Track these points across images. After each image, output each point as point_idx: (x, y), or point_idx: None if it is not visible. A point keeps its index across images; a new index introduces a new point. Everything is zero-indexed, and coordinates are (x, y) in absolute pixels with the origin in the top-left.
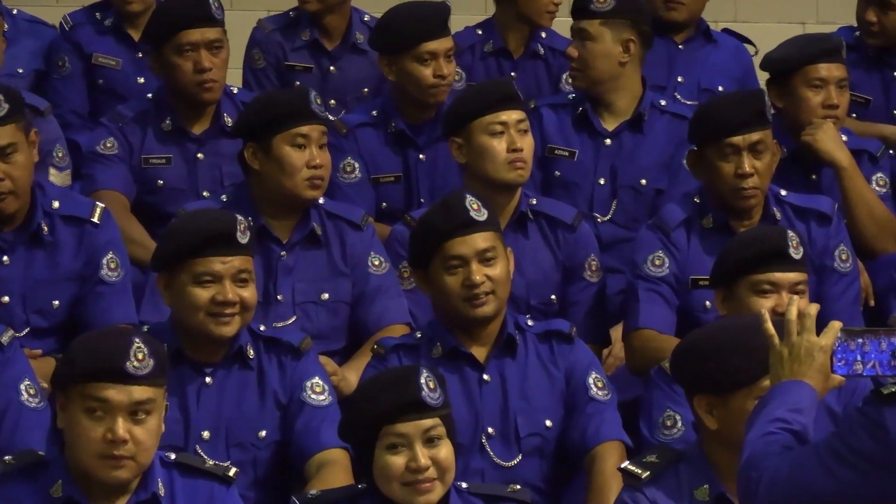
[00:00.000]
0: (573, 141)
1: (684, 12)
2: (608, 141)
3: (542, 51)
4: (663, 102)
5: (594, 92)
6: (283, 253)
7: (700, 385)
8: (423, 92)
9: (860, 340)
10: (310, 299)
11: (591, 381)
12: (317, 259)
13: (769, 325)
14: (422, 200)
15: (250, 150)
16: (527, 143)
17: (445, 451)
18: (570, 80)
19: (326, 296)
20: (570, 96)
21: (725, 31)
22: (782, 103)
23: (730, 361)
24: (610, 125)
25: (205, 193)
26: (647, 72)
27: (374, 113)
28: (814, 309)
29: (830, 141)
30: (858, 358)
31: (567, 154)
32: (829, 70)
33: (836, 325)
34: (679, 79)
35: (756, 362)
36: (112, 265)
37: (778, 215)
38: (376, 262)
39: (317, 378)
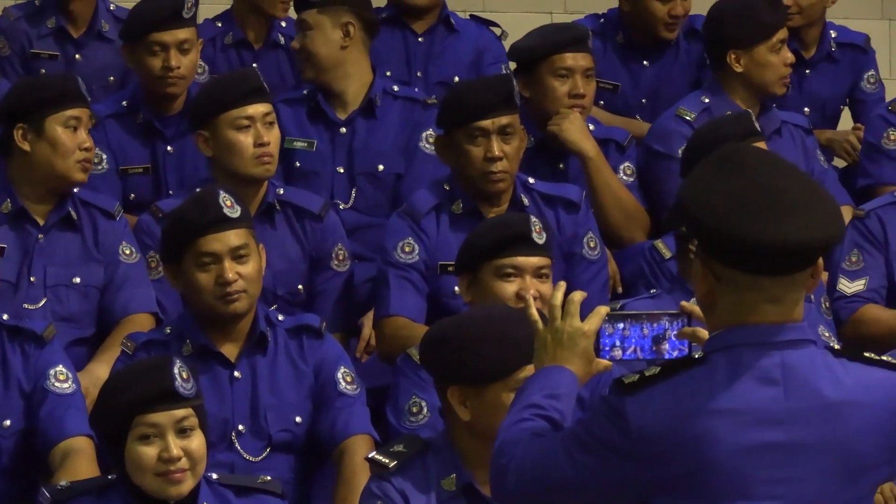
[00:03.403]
0: (310, 132)
1: None
2: (343, 129)
3: (282, 40)
4: (396, 88)
5: (323, 81)
6: (40, 235)
7: (454, 376)
8: (152, 82)
9: (621, 325)
10: (61, 282)
11: (339, 375)
12: (71, 243)
13: (533, 311)
14: (170, 192)
15: (20, 130)
16: (273, 137)
17: (198, 441)
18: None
19: (78, 280)
20: (305, 92)
21: (472, 17)
22: (529, 92)
23: (485, 353)
24: (343, 114)
25: None
26: (387, 66)
27: (124, 103)
28: (579, 295)
29: (577, 131)
30: (617, 343)
31: (305, 145)
32: (575, 59)
33: (601, 311)
34: (418, 73)
35: (512, 354)
36: None
37: (526, 202)
38: (127, 252)
39: (61, 366)
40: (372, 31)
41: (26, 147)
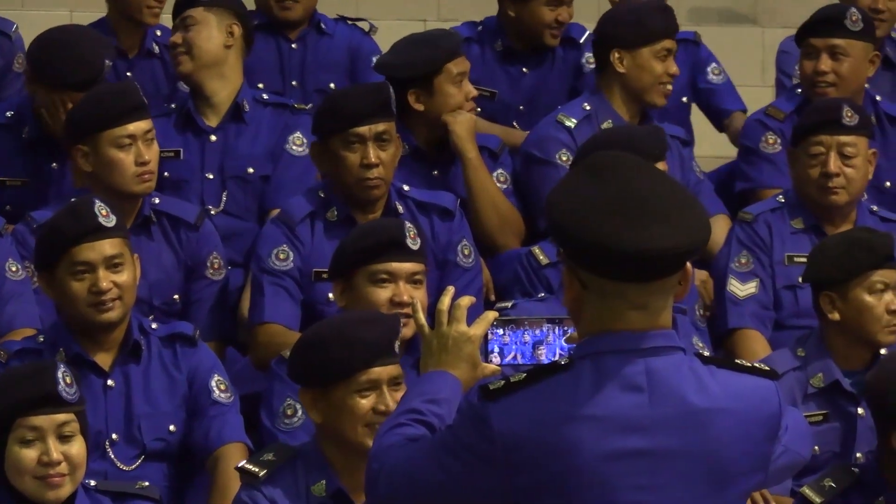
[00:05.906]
0: (177, 141)
1: (299, 10)
2: (213, 137)
3: (157, 49)
4: (265, 96)
5: (197, 78)
6: None
7: (304, 378)
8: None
9: (500, 332)
10: None
11: (213, 383)
12: None
13: (420, 315)
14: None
15: None
16: (153, 153)
17: (78, 447)
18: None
19: None
20: (173, 105)
21: (339, 18)
22: (423, 105)
23: (330, 355)
24: (213, 121)
25: None
26: (261, 75)
27: (9, 114)
28: (466, 300)
29: (467, 130)
30: (495, 349)
31: (172, 154)
32: (464, 63)
33: (489, 316)
34: (294, 83)
35: (356, 356)
36: None
37: (400, 209)
38: (13, 269)
39: None
40: (249, 43)
41: None
